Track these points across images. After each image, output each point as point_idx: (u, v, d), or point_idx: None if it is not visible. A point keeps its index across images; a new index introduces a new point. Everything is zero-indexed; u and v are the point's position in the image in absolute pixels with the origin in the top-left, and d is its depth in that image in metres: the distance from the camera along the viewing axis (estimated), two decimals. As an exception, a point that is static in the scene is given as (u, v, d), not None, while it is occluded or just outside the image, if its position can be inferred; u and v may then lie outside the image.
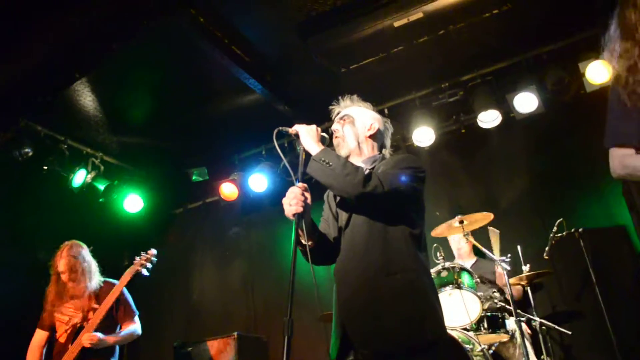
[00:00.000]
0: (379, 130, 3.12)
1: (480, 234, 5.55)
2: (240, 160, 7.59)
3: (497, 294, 5.26)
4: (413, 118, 6.69)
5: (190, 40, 5.45)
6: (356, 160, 2.99)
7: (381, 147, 3.13)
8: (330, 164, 2.67)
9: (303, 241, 2.71)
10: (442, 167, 6.99)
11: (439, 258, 5.11)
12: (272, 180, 7.19)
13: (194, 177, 7.62)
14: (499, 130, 6.67)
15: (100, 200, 7.12)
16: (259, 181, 7.19)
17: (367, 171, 2.71)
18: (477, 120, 6.65)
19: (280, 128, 2.84)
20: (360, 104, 3.20)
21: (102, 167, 7.13)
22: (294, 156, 5.62)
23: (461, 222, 5.26)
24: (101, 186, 7.10)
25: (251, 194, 7.34)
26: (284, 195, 2.78)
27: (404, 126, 6.80)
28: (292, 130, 2.87)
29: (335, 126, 3.10)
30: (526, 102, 6.30)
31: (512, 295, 4.71)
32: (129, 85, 6.07)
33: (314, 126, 2.89)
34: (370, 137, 3.08)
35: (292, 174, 2.76)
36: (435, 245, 5.17)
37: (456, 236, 5.96)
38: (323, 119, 4.13)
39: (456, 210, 6.14)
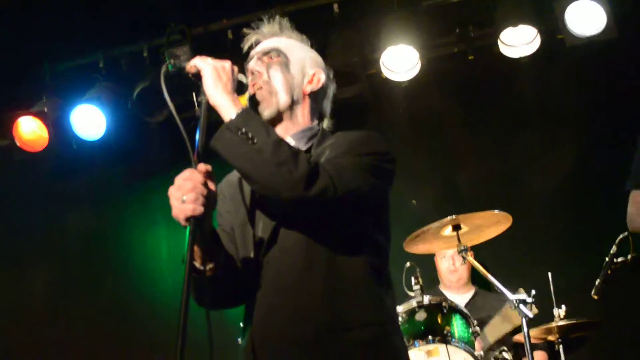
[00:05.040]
0: (324, 85, 2.59)
1: (488, 253, 5.08)
2: (54, 75, 6.17)
3: (507, 356, 4.74)
4: (384, 27, 5.61)
5: None
6: (283, 130, 2.49)
7: (320, 114, 2.61)
8: (255, 140, 2.17)
9: (198, 265, 2.20)
10: (429, 121, 6.02)
11: (414, 287, 4.42)
12: (114, 120, 5.93)
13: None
14: (535, 61, 5.70)
15: None
16: (90, 119, 5.96)
17: (311, 160, 2.25)
18: (499, 41, 5.64)
19: (170, 61, 2.29)
20: (295, 36, 2.66)
21: None
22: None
23: (456, 227, 4.59)
24: None
25: (75, 143, 6.13)
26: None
27: (367, 40, 5.68)
28: (190, 66, 2.29)
29: (254, 65, 2.54)
30: (587, 16, 5.42)
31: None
32: None
33: (228, 63, 2.33)
34: (311, 95, 2.55)
35: (186, 140, 2.14)
36: (408, 264, 4.51)
37: (448, 252, 5.28)
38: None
39: (450, 203, 5.51)
